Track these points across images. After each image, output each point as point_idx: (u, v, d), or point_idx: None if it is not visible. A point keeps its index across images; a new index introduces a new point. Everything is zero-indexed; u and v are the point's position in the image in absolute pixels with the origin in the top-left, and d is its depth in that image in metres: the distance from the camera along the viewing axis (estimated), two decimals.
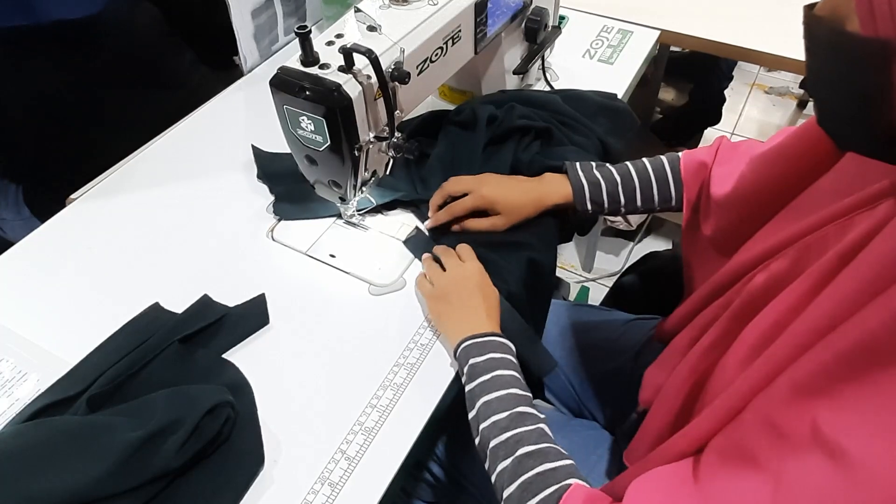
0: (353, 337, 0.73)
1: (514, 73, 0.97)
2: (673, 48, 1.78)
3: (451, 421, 0.84)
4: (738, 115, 2.32)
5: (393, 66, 0.67)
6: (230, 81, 1.09)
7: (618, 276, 1.73)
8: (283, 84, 0.66)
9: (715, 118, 2.04)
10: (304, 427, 0.65)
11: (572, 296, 1.70)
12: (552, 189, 0.81)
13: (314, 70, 0.65)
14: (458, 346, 0.67)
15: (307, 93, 0.64)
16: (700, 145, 1.45)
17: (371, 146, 0.71)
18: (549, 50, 1.02)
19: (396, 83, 0.68)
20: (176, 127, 1.01)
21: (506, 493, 0.56)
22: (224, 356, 0.70)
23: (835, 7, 0.40)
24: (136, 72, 1.13)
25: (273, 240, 0.84)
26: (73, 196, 0.90)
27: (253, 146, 0.95)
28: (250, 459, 0.61)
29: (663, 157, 0.81)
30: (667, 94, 2.20)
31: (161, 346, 0.69)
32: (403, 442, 0.64)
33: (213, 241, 0.84)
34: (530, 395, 0.63)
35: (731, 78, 2.00)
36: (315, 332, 0.74)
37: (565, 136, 0.90)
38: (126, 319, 0.73)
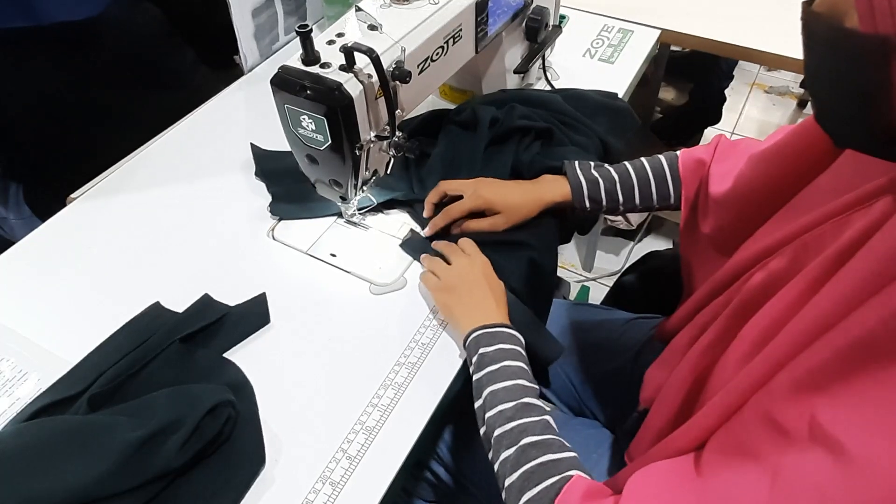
0: (354, 336, 0.73)
1: (515, 72, 0.97)
2: (673, 47, 1.78)
3: (452, 420, 0.85)
4: (738, 114, 2.32)
5: (394, 66, 0.67)
6: (230, 81, 1.09)
7: (618, 275, 1.73)
8: (284, 83, 0.66)
9: (715, 118, 2.04)
10: (305, 426, 0.65)
11: (573, 295, 1.70)
12: (551, 188, 0.81)
13: (315, 69, 0.65)
14: (469, 335, 0.67)
15: (308, 92, 0.64)
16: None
17: (372, 145, 0.71)
18: (549, 49, 1.02)
19: (397, 82, 0.68)
20: (176, 126, 1.01)
21: (507, 482, 0.56)
22: (225, 355, 0.70)
23: (833, 3, 0.40)
24: (137, 72, 1.13)
25: (274, 239, 0.84)
26: (73, 195, 0.90)
27: (252, 144, 0.94)
28: (251, 459, 0.61)
29: (661, 156, 0.81)
30: (667, 94, 2.20)
31: (162, 346, 0.69)
32: (405, 441, 0.64)
33: (214, 241, 0.84)
34: (537, 387, 0.64)
35: (731, 77, 2.00)
36: (316, 332, 0.74)
37: (566, 136, 0.90)
38: (126, 319, 0.73)
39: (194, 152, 0.96)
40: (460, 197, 0.81)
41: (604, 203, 0.81)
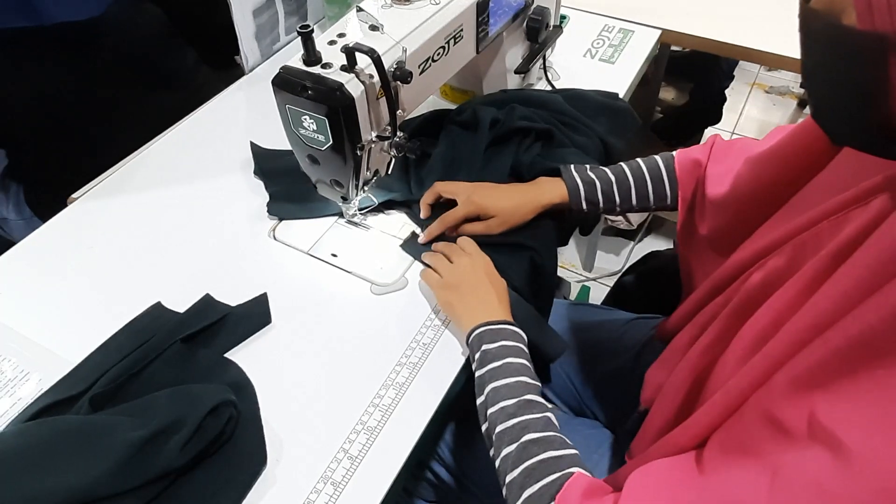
0: (355, 336, 0.73)
1: (516, 72, 0.97)
2: (673, 47, 1.78)
3: (453, 420, 0.85)
4: (738, 114, 2.32)
5: (395, 66, 0.67)
6: (231, 81, 1.09)
7: (619, 275, 1.73)
8: (286, 83, 0.66)
9: (715, 117, 2.04)
10: (306, 426, 0.66)
11: (573, 295, 1.70)
12: (547, 190, 0.81)
13: (316, 69, 0.65)
14: (471, 332, 0.67)
15: (309, 92, 0.64)
16: None
17: (373, 145, 0.71)
18: (550, 49, 1.02)
19: (398, 82, 0.68)
20: (177, 127, 1.01)
21: (508, 478, 0.57)
22: (226, 356, 0.70)
23: (831, 1, 0.40)
24: (138, 72, 1.13)
25: (275, 239, 0.84)
26: (74, 196, 0.90)
27: (251, 142, 0.94)
28: (253, 459, 0.61)
29: (657, 157, 0.81)
30: (667, 94, 2.20)
31: (163, 346, 0.69)
32: (406, 441, 0.64)
33: (215, 241, 0.84)
34: (539, 384, 0.64)
35: (731, 77, 2.00)
36: (317, 332, 0.74)
37: (566, 137, 0.90)
38: (128, 319, 0.73)
39: (195, 152, 0.96)
40: (455, 201, 0.81)
41: (601, 204, 0.81)
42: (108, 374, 0.66)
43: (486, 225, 0.80)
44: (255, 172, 0.92)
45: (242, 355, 0.71)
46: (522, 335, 0.68)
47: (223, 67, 1.26)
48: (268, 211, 0.86)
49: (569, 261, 1.83)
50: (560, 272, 1.77)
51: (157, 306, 0.74)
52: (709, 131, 2.09)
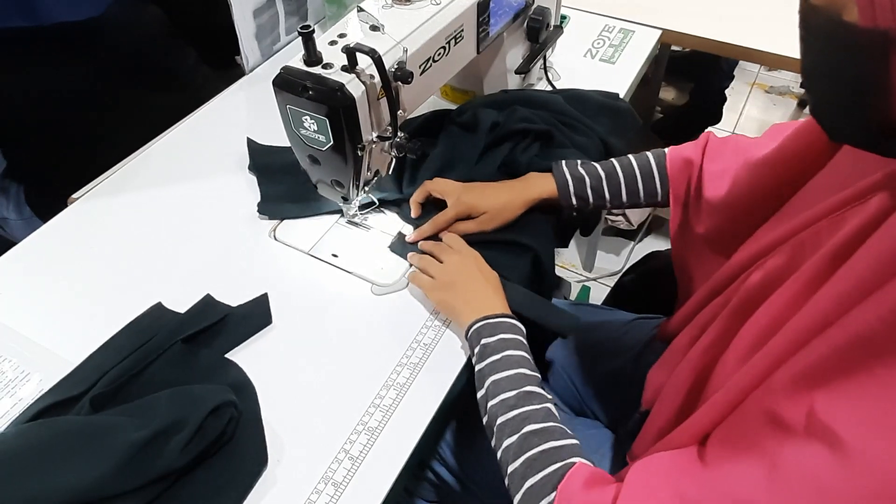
0: (356, 337, 0.73)
1: (516, 72, 0.97)
2: (674, 47, 1.78)
3: (454, 420, 0.85)
4: (738, 114, 2.32)
5: (396, 66, 0.67)
6: (231, 81, 1.09)
7: (619, 275, 1.73)
8: (286, 84, 0.66)
9: (715, 117, 2.04)
10: (307, 427, 0.65)
11: (573, 295, 1.70)
12: (535, 184, 0.81)
13: (317, 70, 0.65)
14: (470, 327, 0.68)
15: (310, 92, 0.64)
16: None
17: (374, 146, 0.71)
18: (550, 49, 1.02)
19: (399, 83, 0.68)
20: (177, 127, 1.01)
21: (510, 469, 0.57)
22: (227, 356, 0.70)
23: None
24: (138, 72, 1.13)
25: (275, 239, 0.84)
26: (74, 196, 0.90)
27: (248, 139, 0.94)
28: (253, 459, 0.61)
29: (649, 154, 0.81)
30: (667, 94, 2.20)
31: (164, 346, 0.69)
32: (407, 442, 0.64)
33: (216, 241, 0.84)
34: (539, 376, 0.64)
35: (731, 77, 2.00)
36: (318, 332, 0.74)
37: (566, 137, 0.90)
38: (128, 319, 0.73)
39: (196, 152, 0.96)
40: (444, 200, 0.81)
41: (590, 200, 0.81)
42: (108, 375, 0.66)
43: (478, 223, 0.80)
44: (250, 168, 0.92)
45: (243, 356, 0.71)
46: (521, 327, 0.68)
47: (223, 67, 1.26)
48: (258, 211, 0.86)
49: (569, 261, 1.82)
50: (560, 272, 1.77)
51: (158, 306, 0.74)
52: (709, 131, 2.09)
